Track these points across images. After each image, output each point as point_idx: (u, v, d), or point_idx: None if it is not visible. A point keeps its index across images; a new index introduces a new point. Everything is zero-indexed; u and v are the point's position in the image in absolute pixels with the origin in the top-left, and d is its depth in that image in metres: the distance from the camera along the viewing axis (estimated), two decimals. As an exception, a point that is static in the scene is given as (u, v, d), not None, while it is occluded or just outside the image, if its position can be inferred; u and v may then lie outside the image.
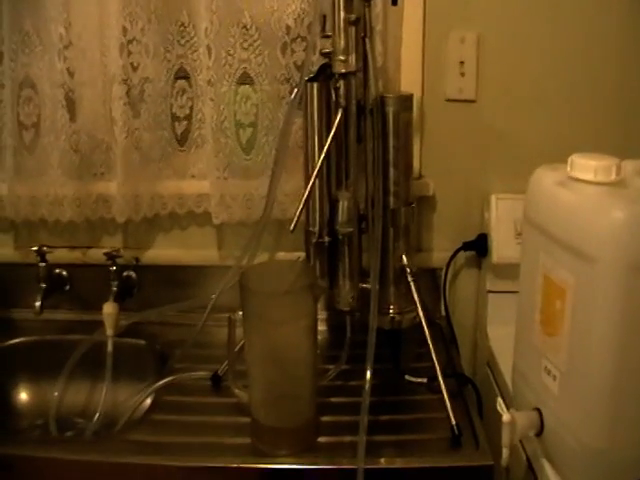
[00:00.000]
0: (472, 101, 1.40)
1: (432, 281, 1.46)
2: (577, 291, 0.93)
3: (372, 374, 1.04)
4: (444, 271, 1.45)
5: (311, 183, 1.10)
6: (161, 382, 1.22)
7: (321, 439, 1.08)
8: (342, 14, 1.10)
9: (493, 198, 1.37)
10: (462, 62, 1.37)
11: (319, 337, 1.28)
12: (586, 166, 0.94)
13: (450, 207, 1.45)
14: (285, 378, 1.06)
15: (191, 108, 1.39)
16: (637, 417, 0.92)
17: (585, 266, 0.90)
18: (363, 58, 1.15)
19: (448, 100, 1.40)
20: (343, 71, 1.11)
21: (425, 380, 1.20)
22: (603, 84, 1.38)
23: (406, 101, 1.21)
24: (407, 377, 1.23)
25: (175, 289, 1.42)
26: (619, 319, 0.88)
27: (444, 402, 1.11)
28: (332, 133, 1.10)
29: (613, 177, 0.93)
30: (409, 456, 1.04)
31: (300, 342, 1.05)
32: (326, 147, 1.11)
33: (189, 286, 1.42)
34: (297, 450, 1.05)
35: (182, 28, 1.36)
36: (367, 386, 1.03)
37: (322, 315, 1.39)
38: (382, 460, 1.03)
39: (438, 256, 1.46)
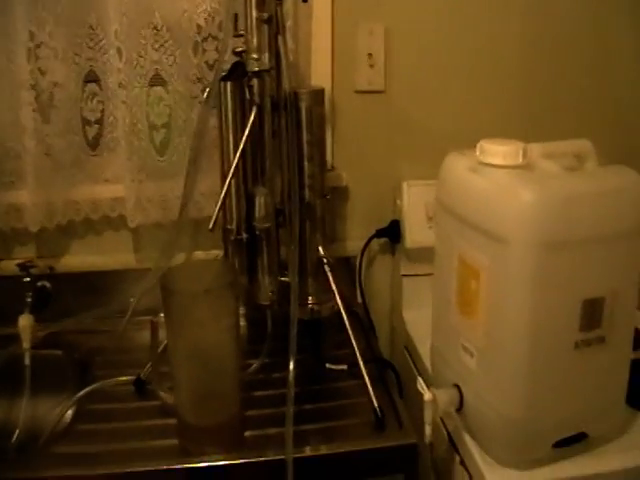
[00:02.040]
0: (381, 92, 1.43)
1: (348, 270, 1.49)
2: (491, 272, 0.97)
3: (295, 365, 1.04)
4: (358, 259, 1.48)
5: (228, 181, 1.10)
6: (83, 391, 1.18)
7: (248, 433, 1.08)
8: (254, 13, 1.10)
9: (404, 185, 1.40)
10: (370, 54, 1.40)
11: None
12: (495, 151, 0.99)
13: (363, 196, 1.49)
14: (209, 376, 1.06)
15: (102, 111, 1.37)
16: (550, 387, 0.98)
17: (498, 247, 0.95)
18: (276, 56, 1.15)
19: (358, 92, 1.44)
20: (257, 69, 1.12)
21: (346, 367, 1.22)
22: (506, 71, 1.45)
23: (318, 95, 1.22)
24: (328, 365, 1.25)
25: (92, 296, 1.38)
26: (531, 296, 0.94)
27: (366, 387, 1.13)
28: (247, 131, 1.11)
29: (520, 160, 0.98)
30: (334, 442, 1.05)
31: (223, 340, 1.05)
32: (241, 145, 1.11)
33: (107, 292, 1.39)
34: (224, 447, 1.04)
35: (91, 31, 1.33)
36: (291, 376, 1.03)
37: (241, 310, 1.37)
38: (308, 448, 1.04)
39: (353, 245, 1.49)
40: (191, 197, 1.25)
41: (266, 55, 1.12)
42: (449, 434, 1.13)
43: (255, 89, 1.13)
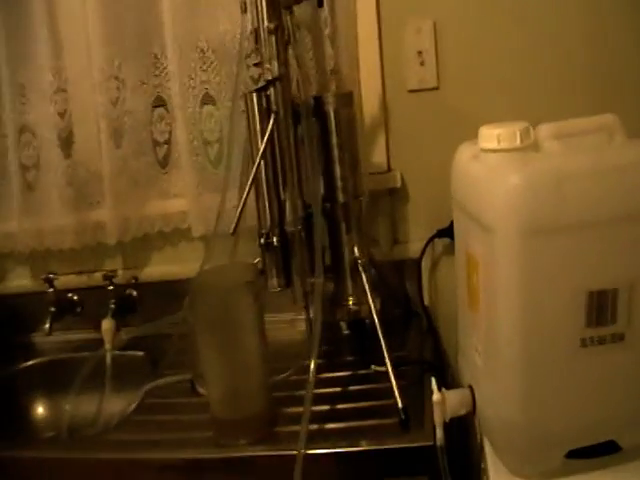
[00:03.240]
0: (434, 89, 1.41)
1: (414, 271, 1.47)
2: (485, 263, 0.92)
3: (316, 363, 1.06)
4: (420, 259, 1.46)
5: (248, 187, 1.15)
6: (146, 387, 1.30)
7: (279, 429, 1.11)
8: (264, 24, 1.15)
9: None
10: (420, 52, 1.39)
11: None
12: (490, 135, 0.92)
13: (422, 196, 1.47)
14: (234, 373, 1.10)
15: (170, 133, 1.49)
16: (554, 389, 0.89)
17: (488, 236, 0.89)
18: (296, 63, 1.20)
19: (410, 91, 1.43)
20: (269, 78, 1.16)
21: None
22: (565, 60, 1.37)
23: (344, 98, 1.24)
24: (373, 367, 1.24)
25: (172, 302, 1.44)
26: (521, 289, 0.87)
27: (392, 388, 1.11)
28: (265, 138, 1.15)
29: (518, 142, 0.90)
30: (356, 439, 1.05)
31: (245, 337, 1.10)
32: (260, 152, 1.15)
33: (183, 298, 1.45)
34: (253, 440, 1.09)
35: (155, 60, 1.46)
36: (311, 376, 1.05)
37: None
38: (325, 445, 1.05)
39: (415, 246, 1.47)
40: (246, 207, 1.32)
41: (275, 64, 1.15)
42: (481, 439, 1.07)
43: (272, 97, 1.17)
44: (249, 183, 1.15)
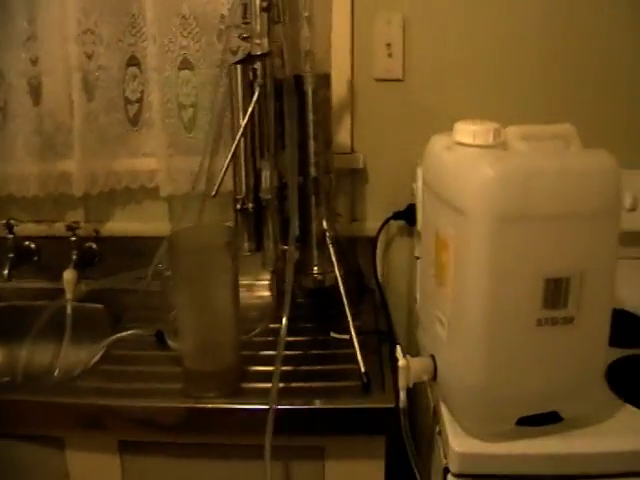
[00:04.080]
0: (400, 80, 1.50)
1: (368, 249, 1.56)
2: (456, 243, 1.01)
3: (287, 324, 1.13)
4: (376, 239, 1.55)
5: (230, 155, 1.21)
6: (110, 338, 1.34)
7: (246, 385, 1.19)
8: (257, 1, 1.21)
9: (419, 170, 1.44)
10: (389, 44, 1.47)
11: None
12: (466, 131, 1.02)
13: (382, 179, 1.56)
14: (209, 327, 1.18)
15: (142, 92, 1.52)
16: (510, 360, 0.99)
17: (461, 219, 0.97)
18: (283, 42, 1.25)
19: (377, 80, 1.50)
20: (258, 53, 1.22)
21: (348, 337, 1.28)
22: (525, 58, 1.47)
23: (323, 79, 1.31)
24: (332, 334, 1.34)
25: (133, 259, 1.53)
26: (489, 268, 0.96)
27: (355, 353, 1.21)
28: (249, 110, 1.21)
29: (491, 140, 1.00)
30: (321, 399, 1.15)
31: (221, 294, 1.17)
32: (243, 123, 1.22)
33: (145, 256, 1.48)
34: (221, 393, 1.16)
35: (132, 19, 1.48)
36: (282, 333, 1.13)
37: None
38: (295, 402, 1.14)
39: (372, 225, 1.55)
40: (211, 171, 1.39)
41: (266, 40, 1.21)
42: (434, 405, 1.18)
43: (258, 72, 1.23)
44: (231, 151, 1.21)
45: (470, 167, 0.98)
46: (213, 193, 1.19)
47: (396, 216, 1.53)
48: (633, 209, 1.43)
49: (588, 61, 1.47)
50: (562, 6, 1.44)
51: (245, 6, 1.24)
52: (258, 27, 1.22)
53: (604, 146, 1.00)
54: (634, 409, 1.06)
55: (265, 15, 1.21)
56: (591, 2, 1.44)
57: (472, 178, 0.97)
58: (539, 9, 1.45)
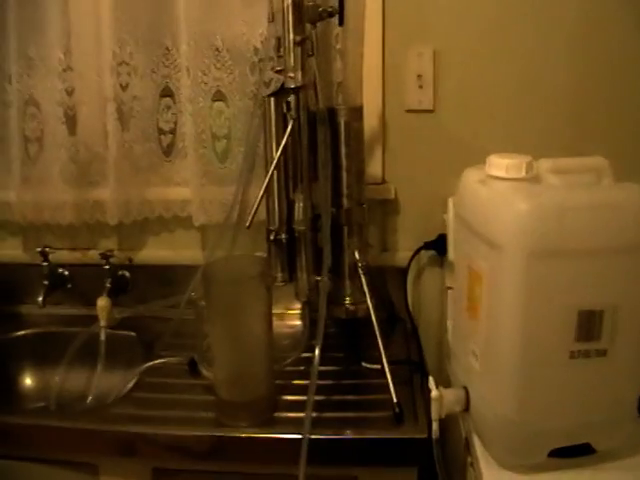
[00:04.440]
0: (430, 111, 1.51)
1: (399, 279, 1.56)
2: (490, 277, 1.03)
3: (320, 353, 1.15)
4: (407, 269, 1.55)
5: (264, 187, 1.22)
6: (144, 366, 1.36)
7: (279, 414, 1.20)
8: (291, 36, 1.23)
9: (450, 200, 1.45)
10: (420, 75, 1.49)
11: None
12: (499, 164, 1.04)
13: (413, 210, 1.57)
14: (242, 358, 1.19)
15: (175, 123, 1.55)
16: (544, 393, 1.01)
17: (495, 254, 1.00)
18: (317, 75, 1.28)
19: (408, 111, 1.52)
20: (292, 86, 1.24)
21: (380, 366, 1.28)
22: (553, 90, 1.48)
23: (356, 112, 1.33)
24: (364, 363, 1.35)
25: (165, 286, 1.56)
26: (523, 302, 0.98)
27: (387, 384, 1.21)
28: (283, 142, 1.23)
29: (523, 174, 1.02)
30: (352, 429, 1.15)
31: (255, 325, 1.18)
32: (277, 155, 1.24)
33: (177, 284, 1.54)
34: (253, 422, 1.18)
35: (166, 51, 1.52)
36: (316, 363, 1.14)
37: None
38: (327, 432, 1.14)
39: (403, 255, 1.56)
40: (246, 201, 1.41)
41: (299, 73, 1.23)
42: (466, 434, 1.19)
43: (292, 104, 1.25)
44: (265, 183, 1.23)
45: (504, 201, 1.00)
46: (247, 224, 1.20)
47: (427, 246, 1.54)
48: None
49: (618, 92, 1.47)
50: (591, 37, 1.45)
51: (278, 39, 1.27)
52: (292, 61, 1.24)
53: (636, 178, 1.01)
54: (667, 441, 1.06)
55: (299, 49, 1.23)
56: (620, 32, 1.45)
57: (506, 213, 0.98)
58: (568, 40, 1.46)
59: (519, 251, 0.97)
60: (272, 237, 1.30)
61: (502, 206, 1.00)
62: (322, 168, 1.27)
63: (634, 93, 1.48)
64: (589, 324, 0.99)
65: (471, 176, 1.13)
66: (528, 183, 1.03)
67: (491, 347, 1.04)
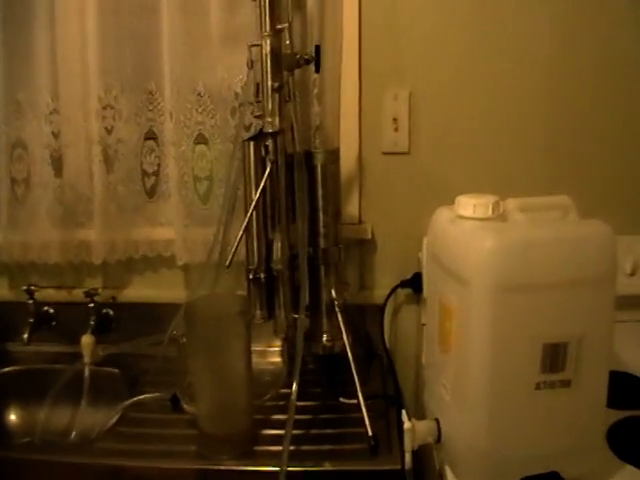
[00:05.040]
0: (406, 153, 1.56)
1: (377, 316, 1.60)
2: (459, 312, 1.06)
3: (298, 388, 1.18)
4: (384, 306, 1.59)
5: (243, 227, 1.27)
6: (128, 402, 1.39)
7: (258, 447, 1.24)
8: (269, 82, 1.28)
9: (425, 239, 1.48)
10: (395, 119, 1.54)
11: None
12: (467, 204, 1.08)
13: (389, 248, 1.61)
14: (223, 392, 1.23)
15: (159, 165, 1.60)
16: (512, 423, 1.04)
17: (463, 289, 1.03)
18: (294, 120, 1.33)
19: (384, 153, 1.57)
20: (270, 130, 1.29)
21: (356, 401, 1.31)
22: (527, 132, 1.54)
23: (333, 154, 1.38)
24: (341, 399, 1.38)
25: (148, 324, 1.58)
26: (490, 335, 1.01)
27: (363, 417, 1.25)
28: (262, 185, 1.28)
29: (490, 213, 1.07)
30: (330, 461, 1.19)
31: (235, 361, 1.22)
32: (255, 197, 1.28)
33: (160, 322, 1.53)
34: (234, 455, 1.21)
35: (150, 96, 1.57)
36: (293, 398, 1.18)
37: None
38: (305, 464, 1.18)
39: (380, 293, 1.60)
40: (227, 241, 1.44)
41: (277, 118, 1.29)
42: (439, 467, 1.20)
43: (270, 148, 1.30)
44: (244, 224, 1.28)
45: (471, 239, 1.04)
46: (227, 264, 1.24)
47: (403, 284, 1.59)
48: (633, 274, 1.48)
49: (589, 131, 1.53)
50: (562, 79, 1.51)
51: (257, 85, 1.31)
52: (270, 106, 1.29)
53: (606, 213, 1.04)
54: (634, 469, 1.09)
55: (277, 95, 1.29)
56: (591, 73, 1.51)
57: (473, 250, 1.03)
58: (540, 82, 1.52)
59: (485, 286, 1.00)
60: (251, 276, 1.34)
61: (469, 243, 1.04)
62: (299, 209, 1.31)
63: (605, 133, 1.54)
64: (554, 356, 1.02)
65: (442, 215, 1.17)
66: (495, 222, 1.07)
67: (461, 379, 1.08)
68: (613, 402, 1.09)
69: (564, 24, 1.49)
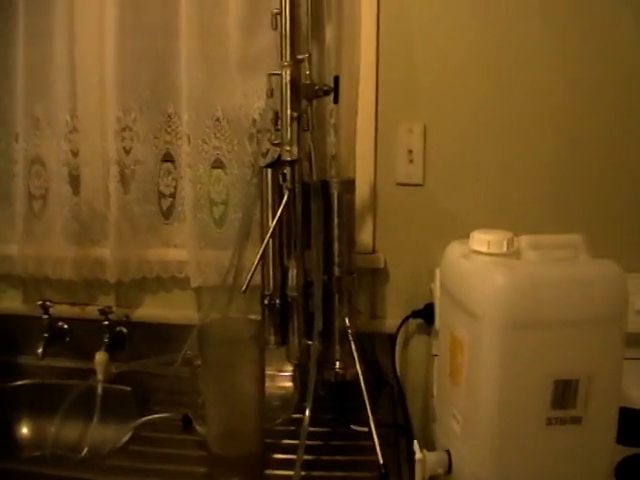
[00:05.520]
0: (420, 185, 1.58)
1: (388, 345, 1.61)
2: (470, 345, 1.09)
3: (310, 414, 1.20)
4: (395, 336, 1.60)
5: (260, 254, 1.29)
6: (139, 421, 1.41)
7: (269, 471, 1.25)
8: (288, 111, 1.31)
9: (437, 271, 1.46)
10: (410, 151, 1.56)
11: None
12: (481, 240, 1.11)
13: (402, 278, 1.62)
14: (235, 415, 1.25)
15: (175, 187, 1.62)
16: (522, 458, 1.06)
17: (475, 323, 1.06)
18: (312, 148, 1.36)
19: (398, 184, 1.59)
20: (288, 159, 1.32)
21: (367, 429, 1.32)
22: (538, 166, 1.55)
23: (349, 184, 1.40)
24: (352, 426, 1.39)
25: (160, 344, 1.60)
26: (500, 370, 1.04)
27: (374, 445, 1.26)
28: (279, 213, 1.30)
29: (504, 249, 1.09)
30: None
31: (247, 384, 1.24)
32: (272, 225, 1.31)
33: (172, 342, 1.57)
34: (244, 478, 1.23)
35: (168, 119, 1.60)
36: (305, 423, 1.19)
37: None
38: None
39: (392, 323, 1.61)
40: (242, 265, 1.47)
41: (295, 148, 1.32)
42: None
43: (288, 176, 1.32)
44: (260, 251, 1.30)
45: (484, 275, 1.07)
46: (243, 289, 1.26)
47: (415, 314, 1.60)
48: (642, 311, 1.50)
49: (602, 168, 1.54)
50: (576, 113, 1.53)
51: (276, 113, 1.34)
52: (288, 135, 1.32)
53: (616, 251, 1.08)
54: (642, 507, 1.11)
55: (295, 124, 1.31)
56: (604, 110, 1.52)
57: (485, 285, 1.05)
58: (553, 117, 1.53)
59: (496, 322, 1.03)
60: (266, 301, 1.36)
61: (482, 279, 1.06)
62: (315, 237, 1.33)
63: (617, 171, 1.54)
64: (564, 392, 1.04)
65: (455, 249, 1.19)
66: (508, 258, 1.09)
67: (471, 412, 1.10)
68: (622, 438, 1.11)
69: (578, 64, 1.51)
